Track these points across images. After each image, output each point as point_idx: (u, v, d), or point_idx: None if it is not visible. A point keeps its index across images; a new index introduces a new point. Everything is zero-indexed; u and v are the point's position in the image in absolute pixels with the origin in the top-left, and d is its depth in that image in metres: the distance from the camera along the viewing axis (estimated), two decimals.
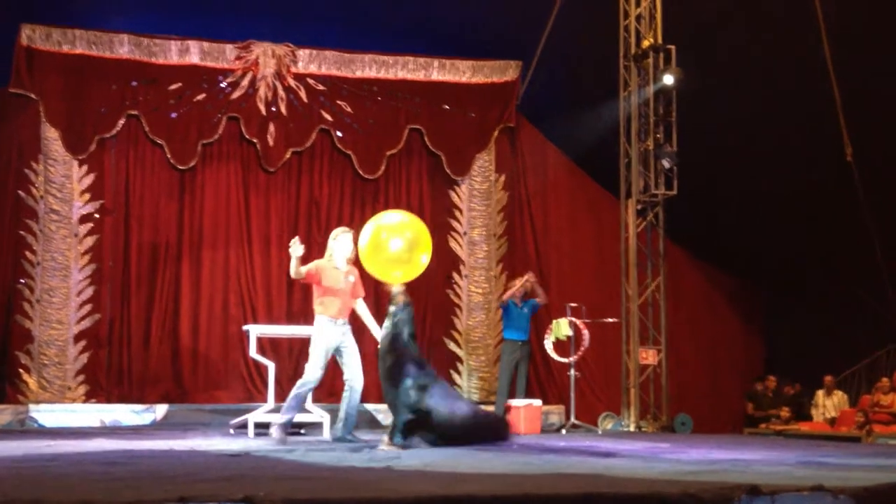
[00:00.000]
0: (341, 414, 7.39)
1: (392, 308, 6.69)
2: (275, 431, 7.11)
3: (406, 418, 6.48)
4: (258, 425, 7.96)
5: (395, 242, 6.61)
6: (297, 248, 6.99)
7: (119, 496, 3.44)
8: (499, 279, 11.58)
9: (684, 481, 4.16)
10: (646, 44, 10.66)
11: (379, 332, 6.98)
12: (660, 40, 10.56)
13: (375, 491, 3.77)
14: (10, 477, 4.36)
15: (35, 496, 3.41)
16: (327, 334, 7.21)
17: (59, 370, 10.35)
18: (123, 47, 10.84)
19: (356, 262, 7.19)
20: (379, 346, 6.74)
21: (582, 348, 9.89)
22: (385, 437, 6.54)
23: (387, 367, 6.59)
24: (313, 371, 7.20)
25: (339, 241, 7.32)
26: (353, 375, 7.32)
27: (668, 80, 10.36)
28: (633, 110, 10.75)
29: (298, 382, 7.30)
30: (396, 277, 6.78)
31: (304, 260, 7.24)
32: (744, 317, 12.18)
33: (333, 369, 11.05)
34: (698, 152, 10.39)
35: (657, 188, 10.56)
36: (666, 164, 10.36)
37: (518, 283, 10.10)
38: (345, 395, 7.39)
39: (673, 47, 10.45)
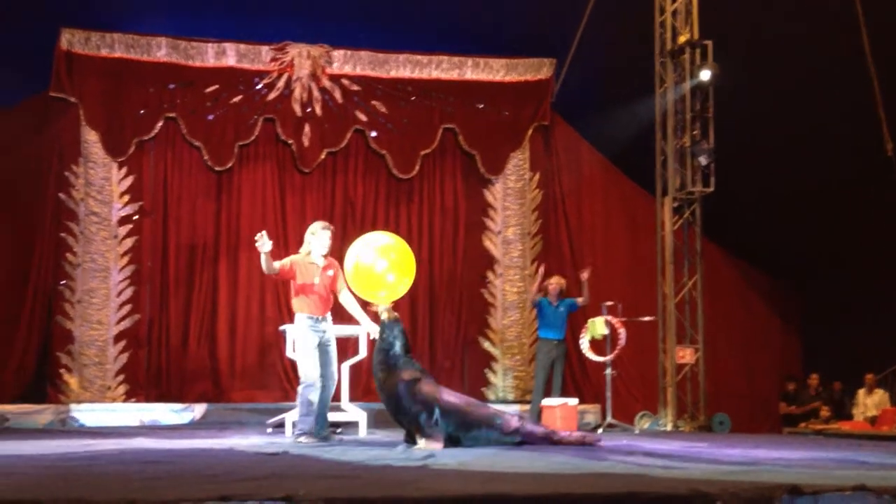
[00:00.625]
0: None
1: (383, 323, 6.66)
2: (303, 439, 6.90)
3: (421, 416, 6.39)
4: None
5: (380, 263, 6.76)
6: (264, 243, 6.75)
7: (160, 495, 3.47)
8: (533, 278, 11.53)
9: (724, 481, 4.11)
10: (682, 39, 10.57)
11: (369, 324, 7.01)
12: (696, 36, 10.47)
13: (413, 490, 3.78)
14: (53, 476, 4.43)
15: (77, 495, 3.46)
16: (311, 332, 7.03)
17: (99, 370, 10.50)
18: (161, 50, 10.97)
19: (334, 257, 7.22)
20: (372, 365, 6.71)
21: (618, 347, 9.83)
22: (419, 439, 6.40)
23: (381, 382, 6.55)
24: (309, 371, 6.99)
25: (318, 236, 7.09)
26: (330, 373, 7.13)
27: (705, 75, 10.27)
28: (669, 107, 10.67)
29: (299, 388, 7.08)
30: (381, 298, 6.80)
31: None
32: (781, 315, 12.05)
33: (368, 370, 11.14)
34: (736, 148, 10.29)
35: (694, 185, 10.46)
36: (703, 160, 10.25)
37: (553, 281, 10.08)
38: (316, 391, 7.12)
39: (709, 43, 10.35)
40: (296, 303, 7.14)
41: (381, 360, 6.57)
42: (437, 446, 6.20)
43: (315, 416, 6.99)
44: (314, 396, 6.93)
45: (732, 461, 5.51)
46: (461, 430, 6.43)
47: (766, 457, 5.85)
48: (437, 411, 6.38)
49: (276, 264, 6.98)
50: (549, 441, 6.63)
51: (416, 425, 6.40)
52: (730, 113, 10.31)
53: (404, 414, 6.48)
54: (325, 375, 7.08)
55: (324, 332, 7.09)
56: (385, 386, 6.53)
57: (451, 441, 6.39)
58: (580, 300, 10.07)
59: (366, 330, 7.15)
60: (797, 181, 10.73)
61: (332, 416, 7.60)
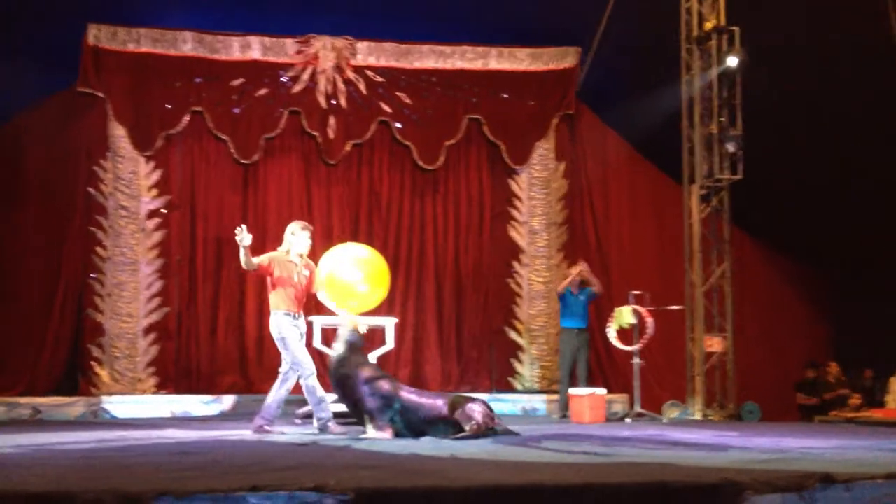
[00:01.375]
0: (269, 401, 7.27)
1: (344, 332, 6.82)
2: (331, 425, 7.07)
3: (376, 408, 6.57)
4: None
5: (354, 274, 7.19)
6: (244, 237, 6.87)
7: (192, 485, 3.50)
8: (559, 267, 11.51)
9: (756, 470, 4.09)
10: (708, 25, 10.46)
11: (348, 317, 7.18)
12: (723, 21, 10.36)
13: (443, 479, 3.80)
14: (86, 467, 4.48)
15: (110, 486, 3.50)
16: (292, 327, 7.16)
17: (129, 362, 10.60)
18: (187, 45, 11.02)
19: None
20: (329, 367, 6.81)
21: (646, 336, 9.78)
22: (369, 427, 6.55)
23: (338, 380, 6.69)
24: (305, 362, 7.13)
25: (298, 236, 7.25)
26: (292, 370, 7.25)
27: (732, 61, 10.16)
28: (695, 94, 10.57)
29: (301, 381, 7.19)
30: (352, 307, 7.19)
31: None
32: (811, 302, 11.91)
33: (413, 360, 11.19)
34: (764, 135, 10.17)
35: (721, 173, 10.36)
36: (731, 147, 10.15)
37: (574, 272, 10.10)
38: (276, 384, 7.30)
39: (737, 28, 10.24)
40: (273, 299, 7.25)
41: (338, 364, 6.70)
42: (385, 436, 6.40)
43: (327, 401, 7.18)
44: (314, 381, 7.11)
45: (763, 450, 5.49)
46: (425, 424, 6.55)
47: (797, 445, 5.82)
48: (397, 405, 6.55)
49: (255, 260, 7.12)
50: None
51: (370, 415, 6.54)
52: (758, 99, 10.20)
53: (359, 405, 6.62)
54: (287, 371, 7.25)
55: (298, 328, 7.22)
56: (341, 385, 6.68)
57: (419, 433, 6.50)
58: (594, 288, 10.11)
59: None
60: (827, 166, 10.61)
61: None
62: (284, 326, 7.13)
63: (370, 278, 7.28)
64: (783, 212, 11.26)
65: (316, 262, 7.48)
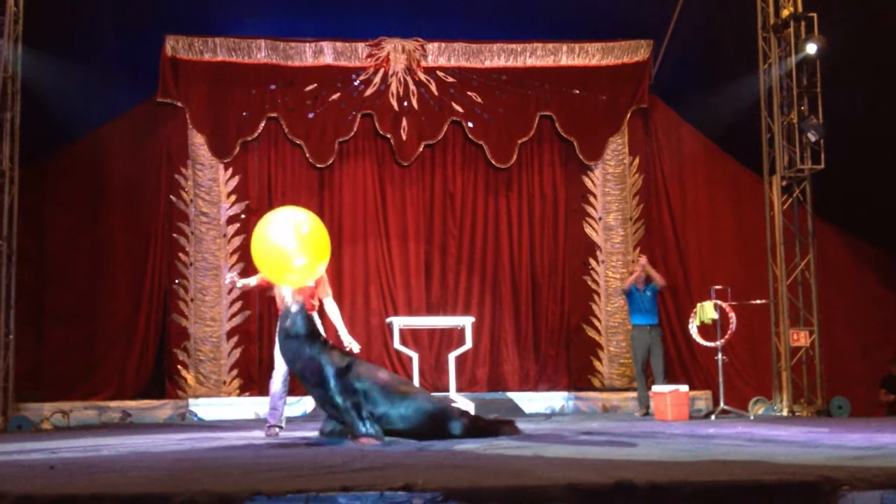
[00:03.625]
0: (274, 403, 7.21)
1: (292, 306, 6.31)
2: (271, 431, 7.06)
3: (354, 408, 6.04)
4: None
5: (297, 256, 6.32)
6: (235, 283, 7.21)
7: (284, 485, 3.55)
8: (636, 264, 11.37)
9: (852, 467, 3.98)
10: (785, 13, 10.21)
11: (346, 334, 6.91)
12: (800, 8, 10.10)
13: (532, 478, 3.77)
14: (178, 468, 4.58)
15: (202, 486, 3.57)
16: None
17: (214, 365, 10.84)
18: (261, 52, 11.22)
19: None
20: (284, 348, 6.36)
21: (729, 331, 9.59)
22: (358, 434, 5.98)
23: (299, 370, 6.26)
24: (276, 367, 7.09)
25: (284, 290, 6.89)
26: None
27: (811, 49, 9.90)
28: (773, 83, 10.33)
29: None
30: (292, 281, 6.56)
31: None
32: None
33: (491, 359, 11.19)
34: (846, 123, 9.88)
35: (803, 163, 10.10)
36: (812, 137, 9.89)
37: (637, 269, 10.01)
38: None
39: (814, 15, 9.98)
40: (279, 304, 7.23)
41: (297, 347, 6.20)
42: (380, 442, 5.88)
43: (281, 406, 7.13)
44: (276, 386, 7.05)
45: (856, 446, 5.33)
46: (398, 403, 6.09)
47: (893, 441, 5.63)
48: (374, 393, 6.03)
49: (253, 280, 7.18)
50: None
51: (355, 419, 6.02)
52: (839, 86, 9.91)
53: (332, 408, 6.19)
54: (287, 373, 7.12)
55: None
56: (304, 376, 6.24)
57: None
58: (657, 284, 10.00)
59: (347, 341, 6.86)
60: None
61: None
62: (277, 328, 7.05)
63: (307, 250, 6.43)
64: (869, 201, 10.90)
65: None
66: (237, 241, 11.07)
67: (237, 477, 4.09)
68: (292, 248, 6.28)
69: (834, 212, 10.84)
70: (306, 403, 10.35)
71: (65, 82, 9.84)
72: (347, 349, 6.68)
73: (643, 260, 10.16)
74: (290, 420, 7.96)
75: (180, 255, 10.96)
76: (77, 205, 10.76)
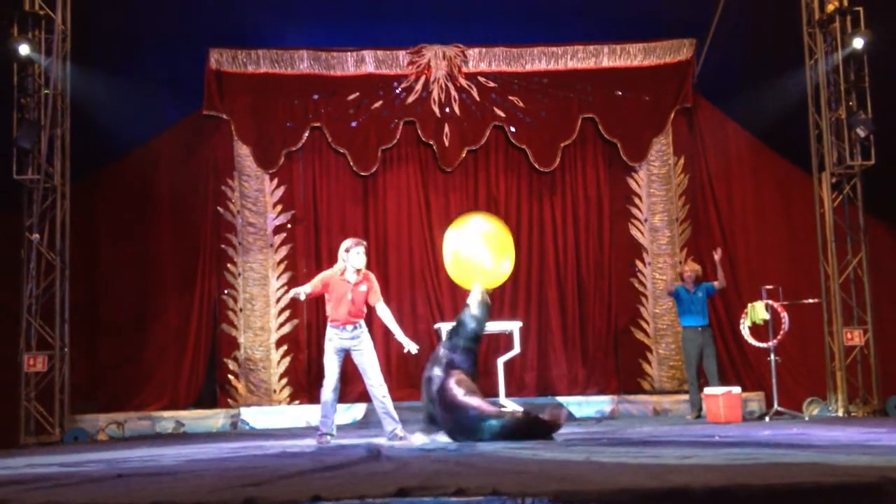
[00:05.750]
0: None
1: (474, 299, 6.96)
2: (324, 438, 7.28)
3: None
4: None
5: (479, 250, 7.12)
6: (300, 295, 7.40)
7: (343, 491, 3.57)
8: (685, 265, 11.26)
9: None
10: (830, 7, 10.06)
11: (403, 336, 7.36)
12: (846, 3, 9.95)
13: (583, 484, 3.75)
14: (235, 476, 4.62)
15: (262, 493, 3.60)
16: (333, 342, 7.35)
17: (264, 374, 10.95)
18: (303, 63, 11.32)
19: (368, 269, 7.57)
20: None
21: (781, 332, 9.44)
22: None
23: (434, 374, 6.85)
24: (326, 373, 7.37)
25: (352, 253, 7.34)
26: (370, 379, 7.36)
27: (858, 43, 9.74)
28: (821, 79, 10.17)
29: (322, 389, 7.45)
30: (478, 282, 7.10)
31: None
32: None
33: (539, 364, 11.15)
34: None
35: (853, 159, 9.93)
36: (861, 132, 9.72)
37: (688, 268, 10.02)
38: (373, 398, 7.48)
39: (861, 9, 9.82)
40: (327, 309, 7.48)
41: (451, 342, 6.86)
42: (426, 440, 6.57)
43: (331, 414, 7.35)
44: (328, 395, 7.33)
45: None
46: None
47: None
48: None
49: (308, 289, 7.38)
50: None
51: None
52: (888, 80, 9.73)
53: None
54: (368, 382, 7.39)
55: (350, 339, 7.35)
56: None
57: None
58: (716, 283, 9.89)
59: (406, 343, 7.35)
60: None
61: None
62: (327, 338, 7.38)
63: (495, 252, 7.19)
64: None
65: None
66: (284, 250, 11.18)
67: (295, 483, 4.12)
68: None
69: (885, 208, 10.64)
70: (356, 411, 10.41)
71: (112, 98, 10.03)
72: (406, 351, 7.25)
73: (719, 253, 10.00)
74: (340, 428, 8.01)
75: (228, 265, 11.08)
76: (126, 218, 10.94)
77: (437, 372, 6.75)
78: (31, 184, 9.46)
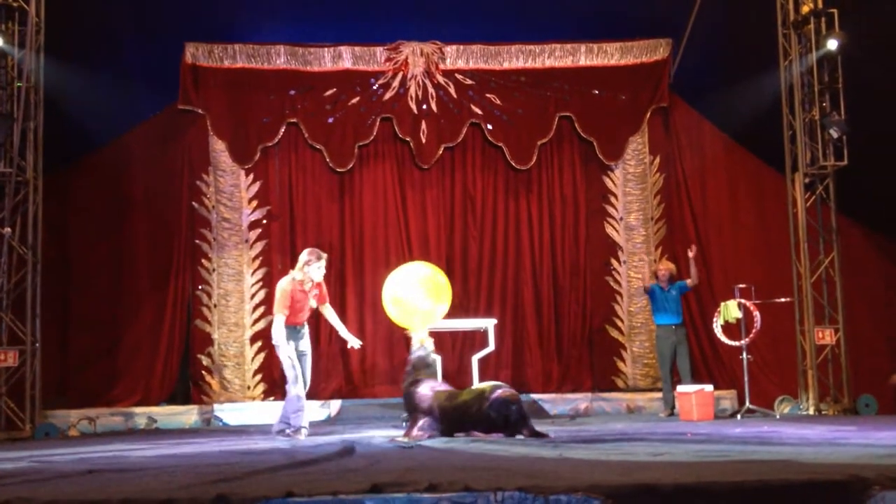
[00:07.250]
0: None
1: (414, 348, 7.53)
2: (292, 433, 7.43)
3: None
4: None
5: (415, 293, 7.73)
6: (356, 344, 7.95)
7: (316, 487, 3.57)
8: (659, 263, 11.32)
9: (881, 465, 3.94)
10: (805, 9, 10.16)
11: (346, 332, 7.90)
12: (821, 4, 10.04)
13: (556, 479, 3.77)
14: (211, 472, 4.60)
15: (233, 488, 3.59)
16: (293, 342, 7.56)
17: (238, 371, 10.90)
18: (280, 58, 11.27)
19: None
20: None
21: (754, 330, 9.52)
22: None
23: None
24: (298, 373, 7.52)
25: (313, 267, 7.60)
26: (305, 376, 7.66)
27: (832, 45, 9.84)
28: (795, 80, 10.26)
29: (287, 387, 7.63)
30: (417, 324, 7.72)
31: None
32: None
33: (514, 362, 11.17)
34: (869, 119, 9.80)
35: (826, 159, 10.03)
36: (834, 133, 9.82)
37: (662, 266, 10.14)
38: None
39: (835, 11, 9.91)
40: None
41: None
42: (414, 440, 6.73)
43: (304, 410, 7.56)
44: (297, 391, 7.50)
45: (886, 444, 5.29)
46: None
47: None
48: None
49: (281, 317, 7.51)
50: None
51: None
52: (860, 82, 9.83)
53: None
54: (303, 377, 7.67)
55: (301, 338, 7.67)
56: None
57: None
58: (689, 281, 9.98)
59: (349, 339, 7.91)
60: None
61: None
62: (284, 337, 7.48)
63: (431, 295, 7.79)
64: (894, 197, 10.80)
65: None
66: (259, 246, 11.13)
67: (267, 479, 4.12)
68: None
69: (857, 208, 10.75)
70: (330, 408, 10.39)
71: (86, 91, 9.91)
72: (349, 346, 7.92)
73: (694, 251, 10.07)
74: (313, 424, 8.00)
75: (203, 260, 11.02)
76: (100, 212, 10.82)
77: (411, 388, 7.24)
78: (2, 177, 9.36)
